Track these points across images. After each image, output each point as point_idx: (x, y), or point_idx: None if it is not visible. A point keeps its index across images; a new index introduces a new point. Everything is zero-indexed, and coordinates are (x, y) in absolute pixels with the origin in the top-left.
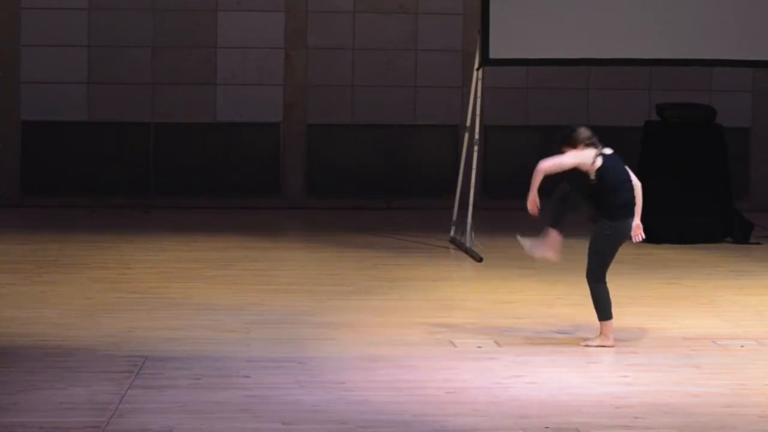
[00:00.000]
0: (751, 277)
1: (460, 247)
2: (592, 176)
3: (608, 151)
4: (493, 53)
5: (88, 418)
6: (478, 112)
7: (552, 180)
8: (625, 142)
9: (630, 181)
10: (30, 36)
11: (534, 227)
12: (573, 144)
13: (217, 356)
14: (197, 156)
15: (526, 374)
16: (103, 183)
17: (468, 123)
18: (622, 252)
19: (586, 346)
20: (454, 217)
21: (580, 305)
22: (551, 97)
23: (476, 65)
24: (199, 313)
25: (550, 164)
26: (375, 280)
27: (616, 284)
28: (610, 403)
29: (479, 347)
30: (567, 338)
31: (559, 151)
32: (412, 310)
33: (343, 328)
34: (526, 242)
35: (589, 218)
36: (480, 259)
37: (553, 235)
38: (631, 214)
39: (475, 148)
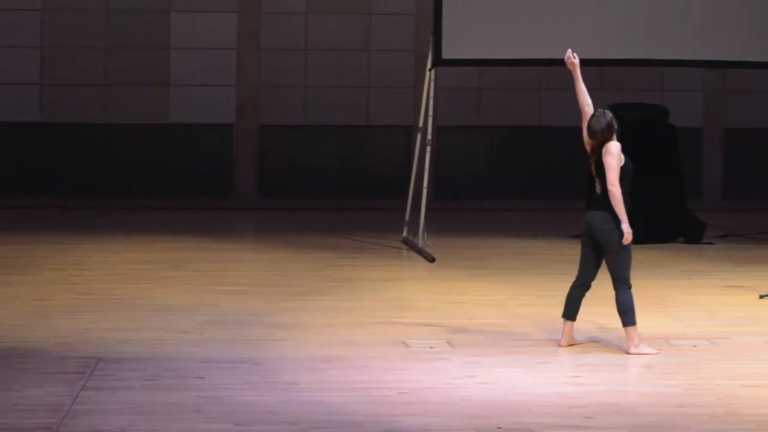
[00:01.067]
0: (702, 277)
1: (413, 247)
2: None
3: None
4: (446, 54)
5: (41, 420)
6: (430, 112)
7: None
8: (577, 141)
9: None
10: None
11: (487, 228)
12: (613, 133)
13: (170, 357)
14: (150, 157)
15: (479, 374)
16: (56, 184)
17: (421, 123)
18: (575, 252)
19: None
20: (407, 218)
21: (533, 305)
22: (504, 97)
23: (429, 66)
24: (152, 314)
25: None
26: (328, 280)
27: (568, 284)
28: (563, 403)
29: (432, 348)
30: (519, 338)
31: (600, 140)
32: (365, 311)
33: (296, 329)
34: None
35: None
36: (432, 260)
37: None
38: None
39: (428, 148)
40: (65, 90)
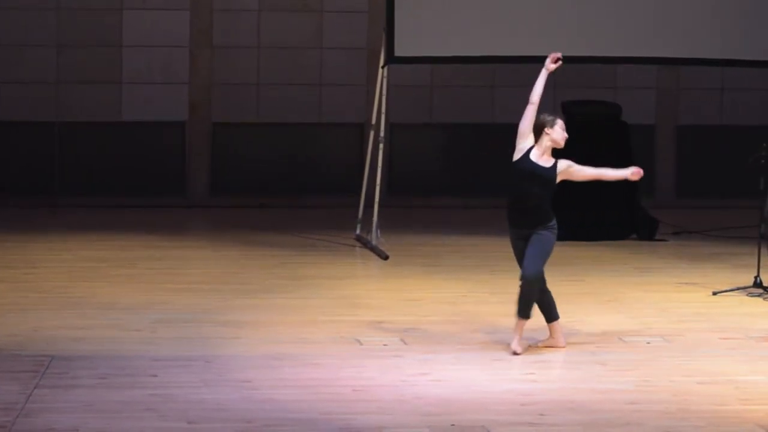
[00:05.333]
0: (655, 274)
1: (366, 245)
2: None
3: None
4: (398, 51)
5: None
6: (383, 110)
7: None
8: None
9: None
10: None
11: (440, 225)
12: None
13: (123, 355)
14: (102, 155)
15: (432, 372)
16: (7, 182)
17: (373, 121)
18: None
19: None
20: (360, 215)
21: (485, 303)
22: (456, 95)
23: (381, 63)
24: (104, 313)
25: None
26: (280, 278)
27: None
28: (516, 401)
29: (385, 345)
30: (473, 336)
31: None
32: (318, 309)
33: (249, 327)
34: None
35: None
36: (386, 257)
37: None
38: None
39: (381, 146)
40: (17, 88)
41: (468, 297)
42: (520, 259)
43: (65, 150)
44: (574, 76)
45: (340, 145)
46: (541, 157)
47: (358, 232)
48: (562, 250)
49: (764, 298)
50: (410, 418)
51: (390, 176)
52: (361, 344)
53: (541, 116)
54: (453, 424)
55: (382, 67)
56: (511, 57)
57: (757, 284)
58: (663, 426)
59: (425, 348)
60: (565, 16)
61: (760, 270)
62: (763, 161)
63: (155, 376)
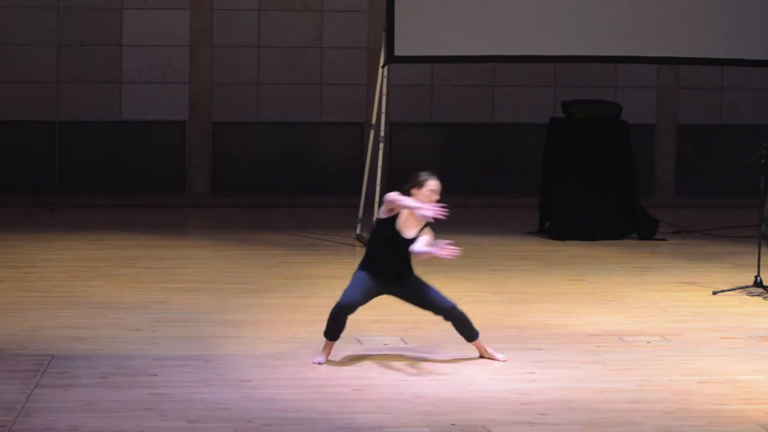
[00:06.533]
0: (655, 273)
1: (366, 244)
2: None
3: None
4: (399, 50)
5: None
6: (383, 109)
7: None
8: (529, 138)
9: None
10: None
11: (439, 224)
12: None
13: (123, 355)
14: (102, 154)
15: (432, 371)
16: (7, 181)
17: (374, 120)
18: (528, 248)
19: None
20: (360, 215)
21: (485, 302)
22: (456, 94)
23: (381, 62)
24: (104, 312)
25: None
26: (280, 278)
27: (521, 281)
28: (516, 400)
29: (385, 344)
30: None
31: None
32: (318, 308)
33: (249, 326)
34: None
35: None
36: None
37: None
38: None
39: (381, 145)
40: (17, 87)
41: (468, 296)
42: (366, 297)
43: (65, 149)
44: (574, 76)
45: (340, 144)
46: (406, 222)
47: (358, 231)
48: (562, 250)
49: (764, 298)
50: (410, 417)
51: (390, 175)
52: (361, 343)
53: (417, 175)
54: (453, 424)
55: (383, 67)
56: (511, 57)
57: (758, 284)
58: (663, 426)
59: (425, 347)
60: (565, 16)
61: (761, 269)
62: (763, 161)
63: (155, 375)
